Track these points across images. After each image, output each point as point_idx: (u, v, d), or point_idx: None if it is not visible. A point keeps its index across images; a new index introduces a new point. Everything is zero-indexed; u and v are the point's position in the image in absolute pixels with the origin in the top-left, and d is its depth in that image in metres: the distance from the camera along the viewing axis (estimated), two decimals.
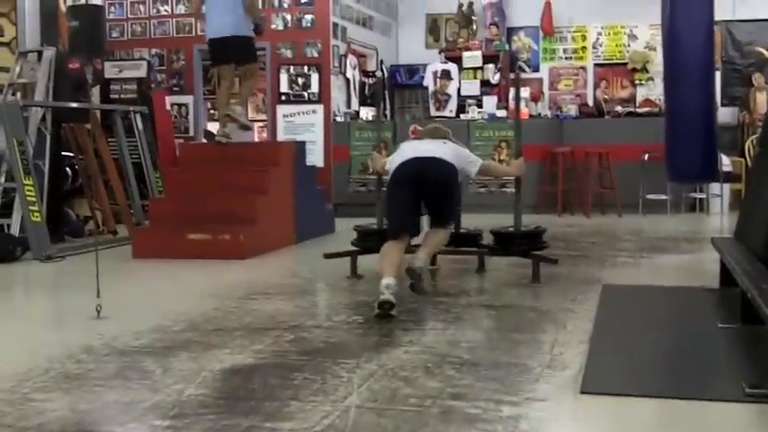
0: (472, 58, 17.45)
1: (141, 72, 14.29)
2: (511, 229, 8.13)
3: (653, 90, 16.91)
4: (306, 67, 15.31)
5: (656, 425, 4.06)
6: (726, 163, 13.84)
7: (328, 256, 8.45)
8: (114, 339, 5.55)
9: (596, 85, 17.60)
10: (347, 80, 16.10)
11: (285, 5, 15.39)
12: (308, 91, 15.24)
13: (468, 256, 8.64)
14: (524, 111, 15.32)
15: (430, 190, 7.11)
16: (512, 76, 15.83)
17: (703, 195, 14.27)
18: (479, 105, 15.96)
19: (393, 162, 7.41)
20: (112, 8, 16.16)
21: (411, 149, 7.50)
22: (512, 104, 15.57)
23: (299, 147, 11.70)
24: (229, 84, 11.16)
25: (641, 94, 17.18)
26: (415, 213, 7.15)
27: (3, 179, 10.30)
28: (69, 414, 4.05)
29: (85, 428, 3.87)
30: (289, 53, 15.38)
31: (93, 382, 4.57)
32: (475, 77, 17.33)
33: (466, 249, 8.46)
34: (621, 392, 4.36)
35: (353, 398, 4.23)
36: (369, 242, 8.03)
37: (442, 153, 7.26)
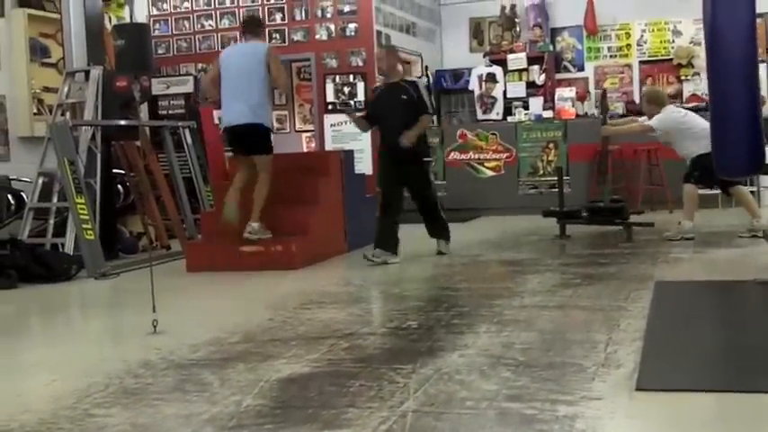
0: (517, 60, 17.42)
1: (188, 87, 14.38)
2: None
3: (699, 85, 16.81)
4: (351, 76, 15.38)
5: (712, 419, 4.04)
6: None
7: (546, 214, 11.52)
8: (171, 353, 5.60)
9: (642, 83, 17.52)
10: None
11: (328, 15, 15.49)
12: (355, 100, 15.29)
13: None
14: (571, 111, 15.33)
15: None
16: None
17: (754, 188, 14.16)
18: (525, 107, 15.96)
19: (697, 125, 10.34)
20: (157, 25, 16.35)
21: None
22: (558, 105, 15.64)
23: (348, 156, 11.72)
24: (245, 175, 10.09)
25: (688, 89, 17.09)
26: None
27: (55, 199, 10.41)
28: (129, 428, 4.09)
29: None
30: (334, 63, 15.48)
31: (152, 396, 4.62)
32: (520, 79, 17.30)
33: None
34: (677, 388, 4.35)
35: (410, 403, 4.25)
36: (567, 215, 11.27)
37: None
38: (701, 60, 16.69)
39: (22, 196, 11.14)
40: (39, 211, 10.55)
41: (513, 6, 18.08)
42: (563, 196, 11.47)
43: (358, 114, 10.64)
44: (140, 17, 15.35)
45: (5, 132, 12.37)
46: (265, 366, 5.13)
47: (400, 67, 10.30)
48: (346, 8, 15.42)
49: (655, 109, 10.88)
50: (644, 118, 11.50)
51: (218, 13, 16.18)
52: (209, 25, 16.26)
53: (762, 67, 14.23)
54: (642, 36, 17.66)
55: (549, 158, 14.48)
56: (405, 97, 9.88)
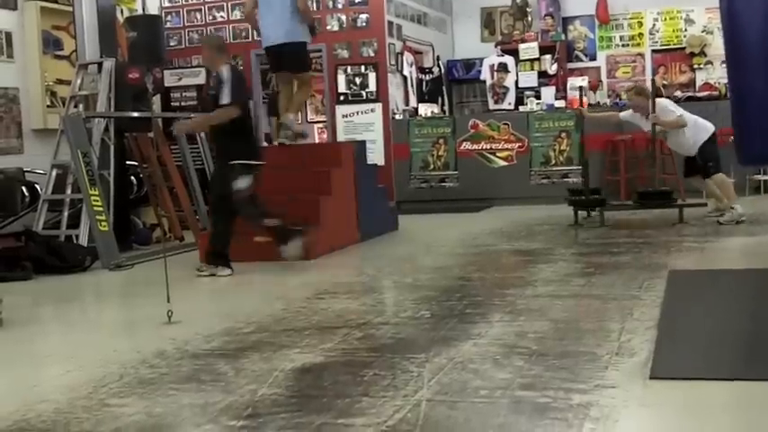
0: (528, 49, 17.40)
1: (200, 79, 14.36)
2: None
3: (712, 74, 16.80)
4: (363, 67, 15.39)
5: (727, 407, 4.04)
6: None
7: (571, 202, 11.58)
8: (186, 343, 5.62)
9: (655, 71, 17.49)
10: (404, 78, 16.14)
11: (340, 6, 15.49)
12: (366, 90, 15.30)
13: None
14: (583, 100, 15.30)
15: None
16: None
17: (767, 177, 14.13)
18: (537, 97, 15.93)
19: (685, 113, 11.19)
20: (169, 17, 16.36)
21: None
22: (570, 94, 15.62)
23: (360, 146, 11.75)
24: (289, 89, 10.77)
25: (700, 78, 17.06)
26: None
27: (69, 190, 10.44)
28: (145, 418, 4.12)
29: (161, 431, 3.94)
30: (345, 53, 15.47)
31: (168, 386, 4.64)
32: (532, 69, 17.28)
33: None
34: (691, 377, 4.35)
35: (424, 392, 4.26)
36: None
37: None
38: (713, 49, 16.69)
39: (36, 188, 11.17)
40: (53, 203, 10.59)
41: None
42: (588, 185, 11.52)
43: None
44: (152, 9, 15.35)
45: (19, 125, 12.41)
46: (280, 356, 5.15)
47: (223, 58, 9.09)
48: None
49: (643, 101, 11.19)
50: (628, 112, 11.68)
51: (229, 4, 16.18)
52: (221, 17, 16.26)
53: None
54: (654, 25, 17.63)
55: (562, 148, 14.46)
56: (212, 93, 8.91)
